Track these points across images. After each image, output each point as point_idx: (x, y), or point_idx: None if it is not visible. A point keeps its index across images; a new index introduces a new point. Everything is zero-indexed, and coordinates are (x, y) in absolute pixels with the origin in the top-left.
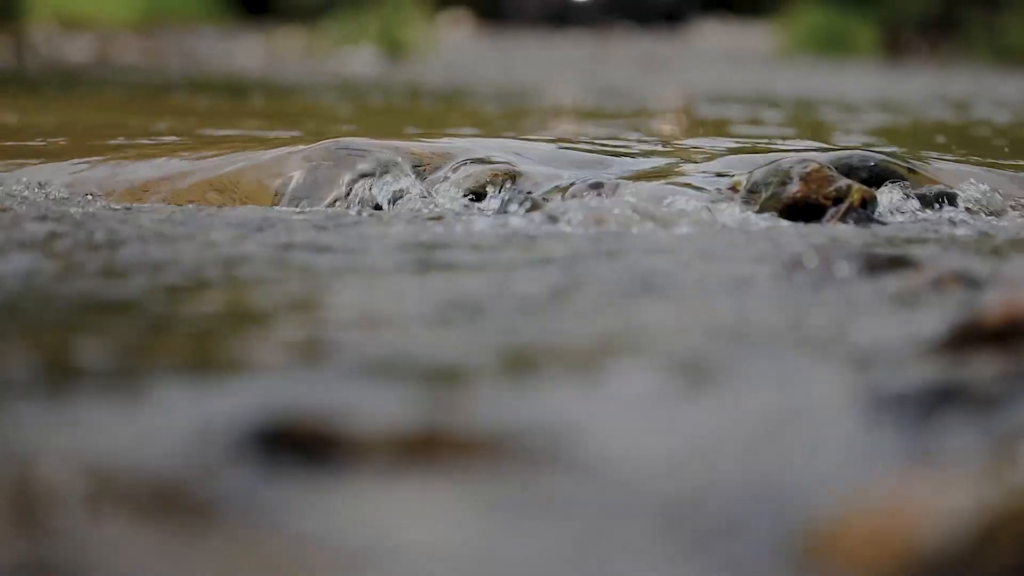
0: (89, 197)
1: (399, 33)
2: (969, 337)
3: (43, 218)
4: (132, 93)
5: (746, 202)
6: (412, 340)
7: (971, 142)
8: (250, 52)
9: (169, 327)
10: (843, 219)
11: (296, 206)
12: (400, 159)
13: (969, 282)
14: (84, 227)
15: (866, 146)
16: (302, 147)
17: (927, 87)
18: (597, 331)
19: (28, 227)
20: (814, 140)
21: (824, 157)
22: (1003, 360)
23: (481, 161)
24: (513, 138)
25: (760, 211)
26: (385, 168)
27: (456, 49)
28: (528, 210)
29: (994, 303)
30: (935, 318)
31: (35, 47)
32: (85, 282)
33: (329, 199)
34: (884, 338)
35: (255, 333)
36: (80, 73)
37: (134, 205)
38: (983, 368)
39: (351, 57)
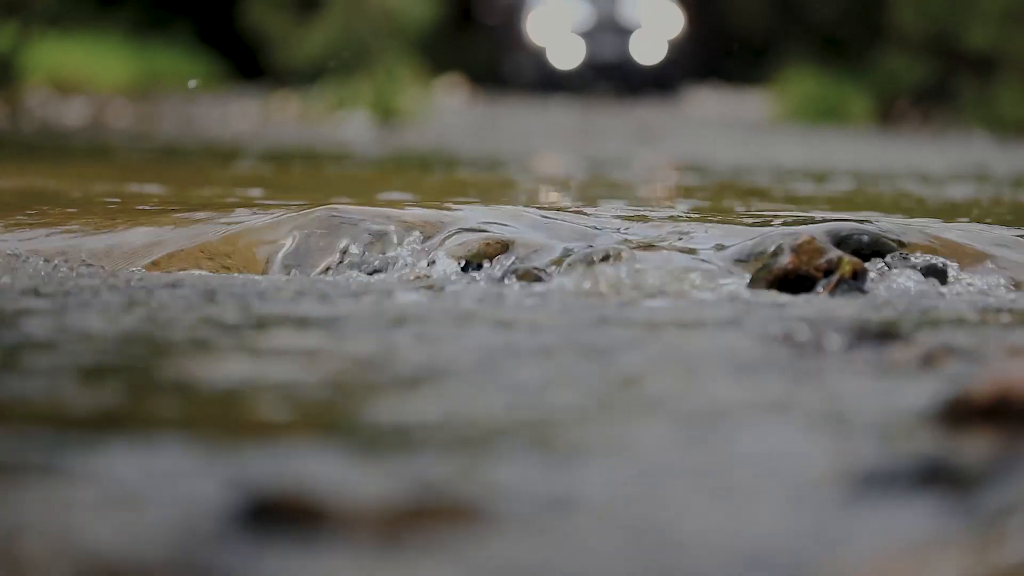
0: (79, 264)
1: (393, 99)
2: (958, 413)
3: (31, 287)
4: (125, 158)
5: (737, 273)
6: (399, 410)
7: (962, 212)
8: (245, 116)
9: (154, 396)
10: (834, 291)
11: (287, 274)
12: (393, 228)
13: (959, 356)
14: (72, 294)
15: (857, 217)
16: (294, 214)
17: (920, 156)
18: (584, 402)
19: (14, 295)
20: (805, 210)
21: (815, 228)
22: (992, 437)
23: (474, 230)
24: (507, 206)
25: (751, 282)
26: (377, 237)
27: (451, 114)
28: (521, 280)
29: (983, 379)
30: (925, 393)
31: (30, 111)
32: (70, 350)
33: (321, 267)
34: (873, 413)
35: (242, 404)
36: (74, 137)
37: (125, 272)
38: (972, 445)
39: (345, 122)
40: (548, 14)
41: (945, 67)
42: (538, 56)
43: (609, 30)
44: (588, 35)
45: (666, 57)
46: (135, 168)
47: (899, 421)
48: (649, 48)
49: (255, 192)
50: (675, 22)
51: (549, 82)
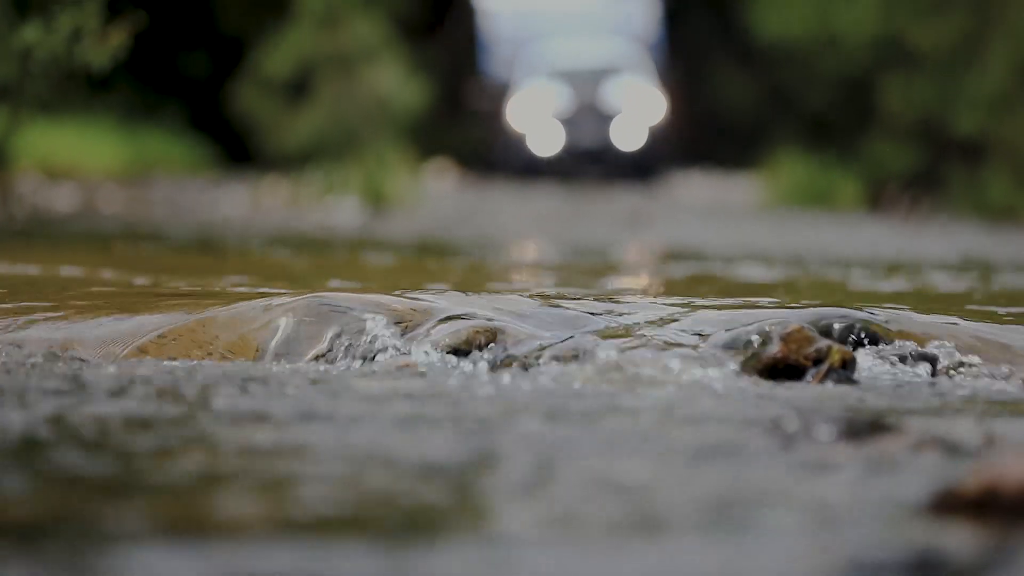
0: (66, 353)
1: (382, 184)
2: (947, 506)
3: (14, 379)
4: (116, 245)
5: (727, 362)
6: (382, 502)
7: (951, 300)
8: (234, 202)
9: (134, 490)
10: (824, 380)
11: (277, 362)
12: (381, 315)
13: (948, 447)
14: (56, 387)
15: (847, 304)
16: (284, 301)
17: (909, 243)
18: (567, 495)
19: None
20: (795, 297)
21: (804, 315)
22: (981, 530)
23: (461, 318)
24: (494, 293)
25: (741, 371)
26: (365, 324)
27: (440, 199)
28: (508, 369)
29: (972, 472)
30: (914, 485)
31: (21, 197)
32: (52, 444)
33: (310, 355)
34: (862, 505)
35: (224, 498)
36: (65, 223)
37: (111, 361)
38: (960, 539)
39: (335, 207)
40: (528, 100)
41: (934, 153)
42: (518, 141)
43: (590, 116)
44: (568, 121)
45: (647, 143)
46: (125, 255)
47: (888, 513)
48: (630, 135)
49: (244, 278)
50: (657, 108)
51: (529, 167)
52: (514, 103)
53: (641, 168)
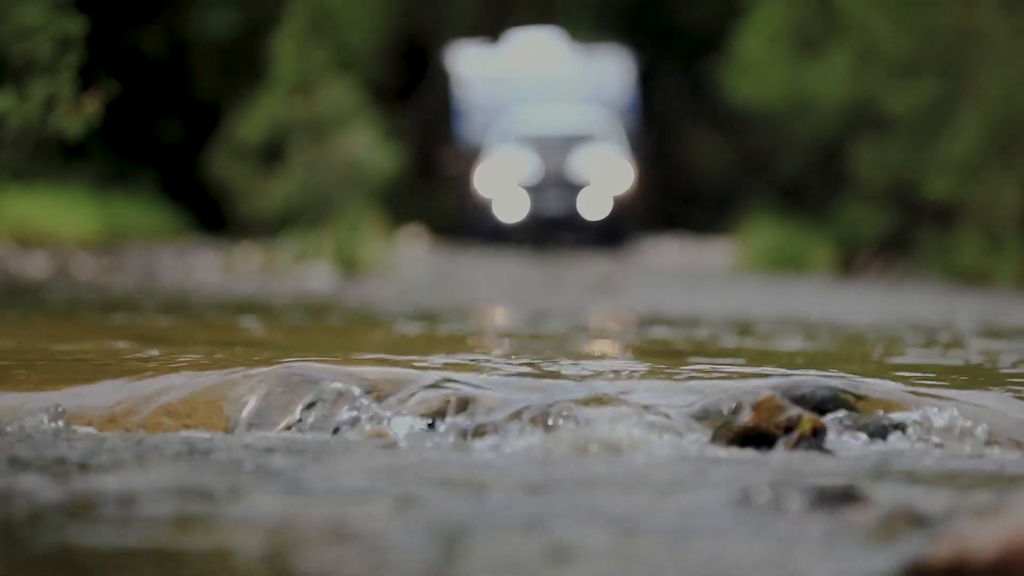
0: (34, 424)
1: (355, 250)
2: None
3: None
4: (88, 314)
5: (698, 430)
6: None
7: (923, 366)
8: (208, 268)
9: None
10: (794, 448)
11: (248, 431)
12: (352, 386)
13: (917, 518)
14: (20, 459)
15: (818, 371)
16: (255, 371)
17: (881, 307)
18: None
19: None
20: (766, 363)
21: (775, 383)
22: None
23: (433, 387)
24: (466, 362)
25: (712, 439)
26: (337, 394)
27: (413, 264)
28: (479, 438)
29: (940, 543)
30: (882, 557)
31: None
32: (14, 518)
33: (281, 425)
34: None
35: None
36: (38, 291)
37: (81, 431)
38: None
39: (308, 273)
40: (496, 167)
41: (905, 217)
42: (485, 208)
43: (556, 185)
44: (535, 189)
45: (613, 212)
46: (97, 324)
47: None
48: (596, 203)
49: (216, 346)
50: (624, 177)
51: (495, 234)
52: (482, 170)
53: (607, 236)
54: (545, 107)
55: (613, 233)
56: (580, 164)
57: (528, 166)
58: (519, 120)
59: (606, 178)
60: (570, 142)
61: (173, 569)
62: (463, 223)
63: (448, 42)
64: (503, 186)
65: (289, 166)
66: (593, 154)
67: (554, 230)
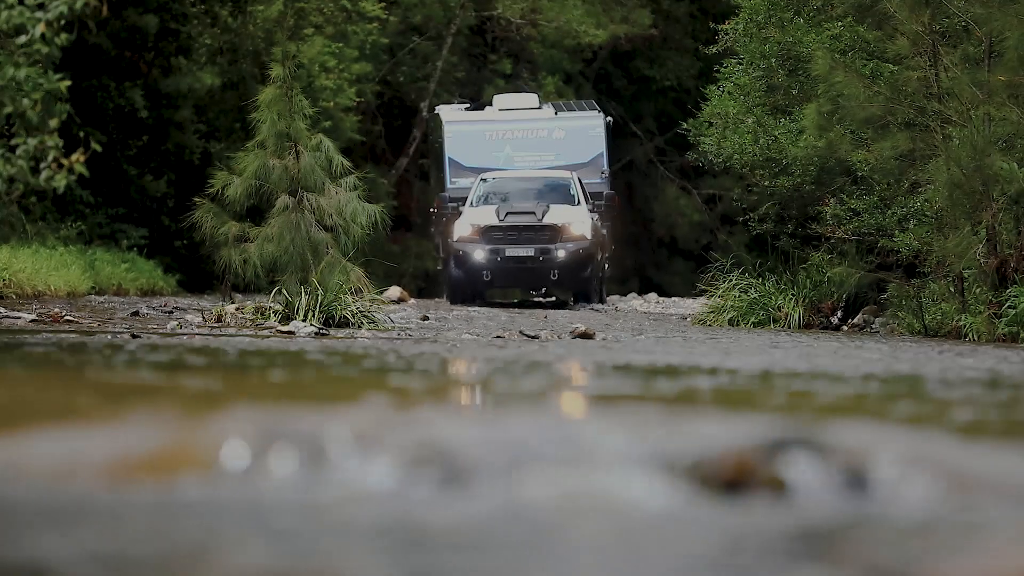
0: (20, 479)
1: (340, 308)
2: None
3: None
4: (72, 369)
5: (673, 480)
6: None
7: (896, 415)
8: (192, 325)
9: None
10: (770, 498)
11: (229, 486)
12: (335, 437)
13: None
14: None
15: (793, 419)
16: (237, 425)
17: (854, 359)
18: None
19: None
20: (742, 412)
21: (750, 432)
22: None
23: (413, 437)
24: (444, 411)
25: (689, 487)
26: (321, 446)
27: (399, 322)
28: (455, 489)
29: None
30: None
31: None
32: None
33: (263, 480)
34: None
35: None
36: (24, 344)
37: (59, 487)
38: None
39: (293, 329)
40: (469, 220)
41: (876, 271)
42: (458, 257)
43: (523, 237)
44: (504, 240)
45: (578, 262)
46: (80, 379)
47: None
48: (560, 254)
49: (198, 402)
50: (588, 230)
51: (468, 282)
52: (458, 223)
53: (572, 284)
54: (519, 168)
55: (578, 282)
56: (548, 218)
57: (498, 218)
58: (493, 178)
59: (571, 231)
60: (540, 196)
61: None
62: (441, 276)
63: (430, 103)
64: (475, 238)
65: (275, 223)
66: (559, 210)
67: (520, 277)
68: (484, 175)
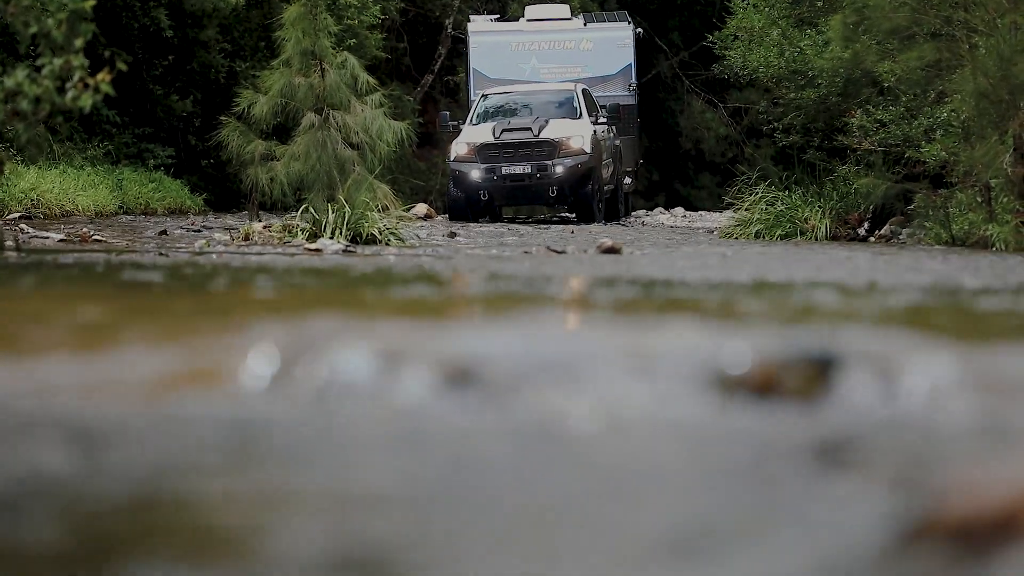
0: (70, 396)
1: (366, 224)
2: (919, 537)
3: None
4: (102, 285)
5: (701, 387)
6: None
7: (923, 322)
8: (220, 242)
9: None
10: (796, 403)
11: (266, 396)
12: (365, 350)
13: (913, 480)
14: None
15: (819, 327)
16: (273, 333)
17: (881, 269)
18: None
19: None
20: (766, 321)
21: (775, 339)
22: (955, 557)
23: (443, 350)
24: (472, 324)
25: (715, 393)
26: (350, 359)
27: (424, 238)
28: (483, 400)
29: (945, 501)
30: (885, 517)
31: (11, 235)
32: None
33: (298, 386)
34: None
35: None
36: (54, 263)
37: (98, 401)
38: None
39: (320, 247)
40: (466, 139)
41: (903, 182)
42: (456, 179)
43: (523, 153)
44: (503, 156)
45: (580, 177)
46: (113, 295)
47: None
48: (562, 168)
49: (233, 315)
50: (590, 146)
51: (468, 199)
52: (456, 142)
53: (575, 200)
54: (527, 82)
55: (578, 198)
56: (545, 133)
57: (494, 136)
58: (494, 94)
59: (570, 145)
60: (542, 111)
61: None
62: (455, 207)
63: (458, 17)
64: (469, 156)
65: (301, 140)
66: (558, 124)
67: (518, 195)
68: (485, 91)
